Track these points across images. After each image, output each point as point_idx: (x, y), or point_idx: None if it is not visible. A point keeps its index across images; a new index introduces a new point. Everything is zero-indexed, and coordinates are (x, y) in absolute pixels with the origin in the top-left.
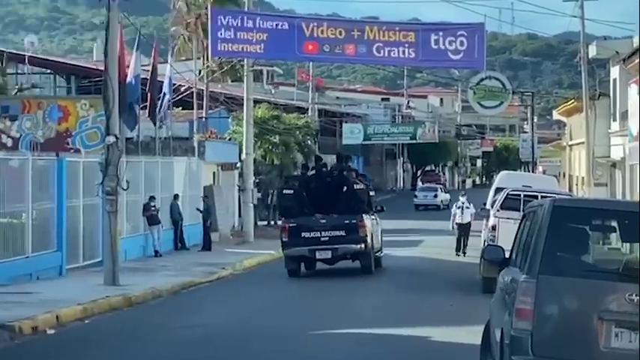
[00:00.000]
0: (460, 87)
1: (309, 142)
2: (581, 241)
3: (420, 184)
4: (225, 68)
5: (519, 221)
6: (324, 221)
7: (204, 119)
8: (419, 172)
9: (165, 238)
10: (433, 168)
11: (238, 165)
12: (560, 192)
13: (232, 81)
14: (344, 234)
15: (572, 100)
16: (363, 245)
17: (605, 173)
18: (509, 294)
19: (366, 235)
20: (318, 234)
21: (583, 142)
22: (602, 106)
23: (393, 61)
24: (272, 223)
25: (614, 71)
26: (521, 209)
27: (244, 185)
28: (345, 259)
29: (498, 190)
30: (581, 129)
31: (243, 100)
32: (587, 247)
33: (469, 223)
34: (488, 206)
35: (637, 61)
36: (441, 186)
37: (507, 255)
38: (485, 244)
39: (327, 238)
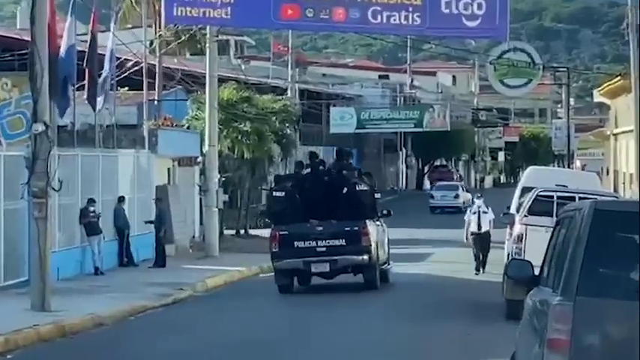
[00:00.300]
0: (477, 61)
1: (288, 130)
2: (629, 253)
3: (427, 182)
4: (183, 38)
5: (552, 229)
6: (320, 228)
7: (156, 102)
8: (426, 168)
9: (108, 252)
10: (444, 163)
11: (199, 159)
12: (602, 192)
13: (192, 54)
14: (344, 243)
15: (618, 78)
16: (366, 256)
17: None
18: (540, 320)
19: (370, 245)
20: (313, 243)
21: (631, 130)
22: None
23: (393, 29)
24: (242, 232)
25: None
26: (555, 214)
27: (207, 185)
28: (345, 273)
29: (526, 190)
30: (628, 113)
31: (205, 78)
32: (636, 262)
33: (487, 233)
34: (512, 210)
35: None
36: (462, 184)
37: (537, 272)
38: (510, 258)
39: (325, 249)
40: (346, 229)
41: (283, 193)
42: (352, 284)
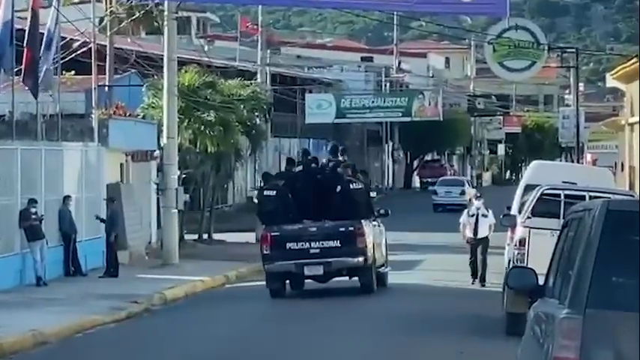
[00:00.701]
0: (474, 41)
1: (257, 120)
2: None
3: (416, 179)
4: (138, 15)
5: (558, 233)
6: (314, 229)
7: (107, 88)
8: (415, 163)
9: (52, 260)
10: (436, 157)
11: (156, 154)
12: (616, 191)
13: (148, 34)
14: (339, 245)
15: (634, 60)
16: (362, 258)
17: None
18: (545, 336)
19: (366, 246)
20: (307, 245)
21: None
22: None
23: (377, 5)
24: (205, 237)
25: None
26: (562, 215)
27: (165, 183)
28: (340, 276)
29: (529, 187)
30: None
31: (162, 60)
32: None
33: (486, 239)
34: (514, 211)
35: None
36: (468, 179)
37: (541, 281)
38: (511, 265)
39: (318, 250)
40: (341, 229)
41: (274, 192)
42: (344, 289)
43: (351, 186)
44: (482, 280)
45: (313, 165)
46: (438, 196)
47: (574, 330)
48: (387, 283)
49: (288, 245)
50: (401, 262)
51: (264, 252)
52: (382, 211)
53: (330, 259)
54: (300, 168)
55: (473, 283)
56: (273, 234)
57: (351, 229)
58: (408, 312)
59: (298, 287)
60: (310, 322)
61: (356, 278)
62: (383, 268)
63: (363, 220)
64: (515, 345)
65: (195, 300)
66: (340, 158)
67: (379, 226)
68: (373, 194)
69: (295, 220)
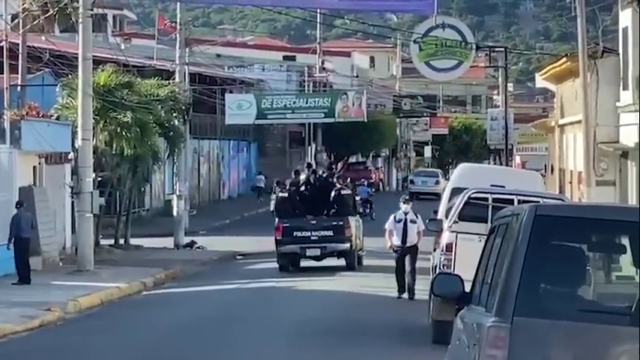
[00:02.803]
0: (400, 40)
1: (176, 121)
2: (576, 266)
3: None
4: (52, 12)
5: (486, 238)
6: (314, 222)
7: (19, 88)
8: (339, 165)
9: None
10: (361, 159)
11: (71, 156)
12: (546, 194)
13: (62, 31)
14: (332, 234)
15: (564, 60)
16: (348, 245)
17: (613, 166)
18: (472, 345)
19: (351, 236)
20: (308, 233)
21: (580, 121)
22: (608, 67)
23: (300, 2)
24: (122, 242)
25: (625, 16)
26: (489, 220)
27: (79, 186)
28: (332, 257)
29: (456, 191)
30: (577, 101)
31: (77, 59)
32: (584, 276)
33: (415, 247)
34: (440, 216)
35: None
36: (440, 171)
37: (468, 288)
38: (437, 271)
39: (317, 238)
40: (333, 223)
41: (286, 195)
42: (272, 297)
43: (341, 192)
44: (411, 293)
45: (312, 175)
46: (414, 185)
47: (501, 339)
48: (362, 262)
49: (295, 233)
50: (323, 268)
51: (277, 238)
52: (361, 211)
53: (325, 244)
54: (303, 177)
55: (400, 297)
56: (284, 225)
57: (341, 223)
58: (332, 320)
59: (296, 265)
60: (229, 330)
61: (343, 259)
62: (361, 252)
63: (349, 217)
64: (442, 354)
65: (111, 307)
66: (334, 171)
67: (358, 221)
68: (358, 198)
69: (300, 215)
